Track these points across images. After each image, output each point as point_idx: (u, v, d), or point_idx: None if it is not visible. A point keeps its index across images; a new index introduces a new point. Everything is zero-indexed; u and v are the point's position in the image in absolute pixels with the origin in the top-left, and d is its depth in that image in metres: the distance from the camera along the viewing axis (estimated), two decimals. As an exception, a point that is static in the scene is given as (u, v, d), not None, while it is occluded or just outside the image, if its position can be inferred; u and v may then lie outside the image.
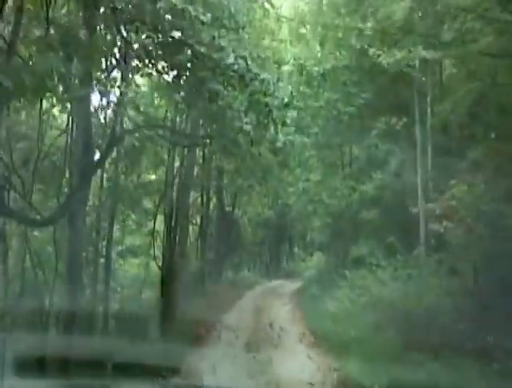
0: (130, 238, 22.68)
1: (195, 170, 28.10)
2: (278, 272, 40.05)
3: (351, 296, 14.25)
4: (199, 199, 27.84)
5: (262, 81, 10.61)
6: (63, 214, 12.50)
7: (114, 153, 15.74)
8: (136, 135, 14.80)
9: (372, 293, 13.31)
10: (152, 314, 15.18)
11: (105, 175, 16.65)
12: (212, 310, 17.14)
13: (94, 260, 15.78)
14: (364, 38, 14.83)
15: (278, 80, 11.63)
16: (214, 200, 29.69)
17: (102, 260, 16.32)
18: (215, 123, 13.32)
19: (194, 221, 28.81)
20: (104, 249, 16.59)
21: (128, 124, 14.51)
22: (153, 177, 22.15)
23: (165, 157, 18.15)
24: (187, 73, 11.08)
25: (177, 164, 18.26)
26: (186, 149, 17.82)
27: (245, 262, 36.73)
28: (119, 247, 20.86)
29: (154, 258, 18.20)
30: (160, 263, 17.90)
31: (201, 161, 27.01)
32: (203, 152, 26.10)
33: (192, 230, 29.53)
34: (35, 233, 14.80)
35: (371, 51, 13.34)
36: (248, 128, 11.13)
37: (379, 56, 12.84)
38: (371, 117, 17.10)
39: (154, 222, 19.69)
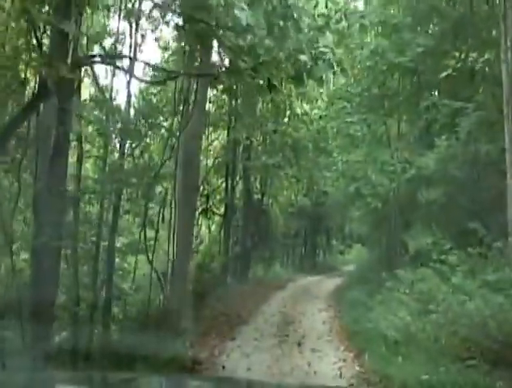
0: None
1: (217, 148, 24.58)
2: (314, 267, 36.24)
3: (412, 307, 10.21)
4: (224, 184, 24.08)
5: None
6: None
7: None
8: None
9: (443, 302, 9.33)
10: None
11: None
12: (221, 325, 13.37)
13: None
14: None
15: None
16: (240, 185, 25.79)
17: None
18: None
19: (217, 210, 25.16)
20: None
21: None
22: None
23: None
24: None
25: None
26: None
27: (276, 256, 32.62)
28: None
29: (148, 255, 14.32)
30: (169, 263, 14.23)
31: (225, 138, 23.39)
32: (228, 128, 22.46)
33: (214, 221, 25.99)
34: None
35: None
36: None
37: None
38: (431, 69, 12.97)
39: (160, 213, 15.80)
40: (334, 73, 10.57)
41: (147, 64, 14.05)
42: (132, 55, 12.31)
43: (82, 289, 11.16)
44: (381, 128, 15.36)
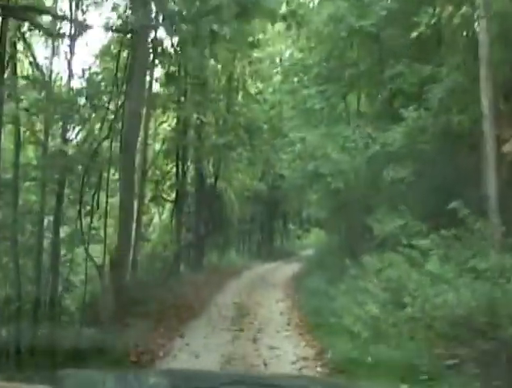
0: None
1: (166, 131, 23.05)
2: (271, 253, 35.12)
3: (380, 297, 8.98)
4: (174, 169, 22.62)
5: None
6: None
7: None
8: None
9: (416, 292, 8.14)
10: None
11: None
12: (170, 318, 11.98)
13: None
14: None
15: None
16: (192, 170, 24.30)
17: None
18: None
19: (167, 197, 23.72)
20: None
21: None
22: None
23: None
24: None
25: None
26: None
27: (231, 243, 31.22)
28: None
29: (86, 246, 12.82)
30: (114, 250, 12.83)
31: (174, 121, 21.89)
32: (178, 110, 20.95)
33: (165, 208, 24.53)
34: None
35: None
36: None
37: None
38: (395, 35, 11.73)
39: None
40: (289, 26, 9.22)
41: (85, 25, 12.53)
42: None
43: (26, 283, 10.58)
44: (341, 101, 14.04)
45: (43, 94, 13.04)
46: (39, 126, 15.20)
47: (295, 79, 15.16)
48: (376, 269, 10.48)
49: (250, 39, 22.81)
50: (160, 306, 13.13)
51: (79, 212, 12.40)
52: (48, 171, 12.27)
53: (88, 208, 15.09)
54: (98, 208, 13.86)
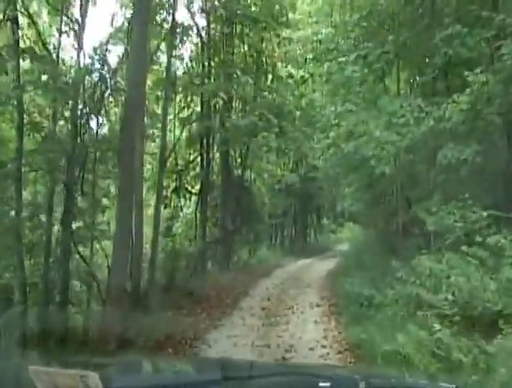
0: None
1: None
2: (304, 249, 33.13)
3: (446, 312, 6.89)
4: (199, 158, 20.84)
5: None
6: None
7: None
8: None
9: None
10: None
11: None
12: (185, 333, 10.03)
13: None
14: None
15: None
16: (218, 159, 22.41)
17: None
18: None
19: (191, 189, 21.94)
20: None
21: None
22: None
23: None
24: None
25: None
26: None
27: (262, 239, 29.10)
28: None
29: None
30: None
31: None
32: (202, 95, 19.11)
33: (188, 201, 22.74)
34: None
35: None
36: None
37: None
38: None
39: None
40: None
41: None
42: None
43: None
44: (385, 68, 11.82)
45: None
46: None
47: (332, 46, 12.99)
48: (434, 273, 8.39)
49: (280, 19, 21.03)
50: (169, 316, 11.32)
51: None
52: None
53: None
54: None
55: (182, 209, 21.61)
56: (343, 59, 11.74)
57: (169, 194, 20.72)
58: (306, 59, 20.93)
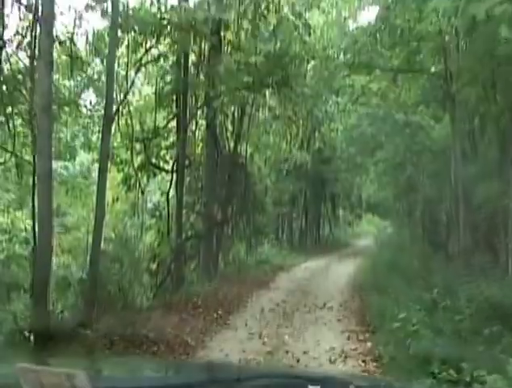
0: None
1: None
2: (317, 245, 27.61)
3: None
4: (175, 127, 15.02)
5: None
6: None
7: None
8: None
9: None
10: None
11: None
12: None
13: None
14: None
15: None
16: (203, 129, 16.57)
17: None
18: None
19: (162, 164, 16.13)
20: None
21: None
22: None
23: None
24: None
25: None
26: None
27: (265, 232, 22.92)
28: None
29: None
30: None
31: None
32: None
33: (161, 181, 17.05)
34: None
35: None
36: None
37: None
38: None
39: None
40: None
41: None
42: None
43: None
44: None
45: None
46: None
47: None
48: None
49: None
50: None
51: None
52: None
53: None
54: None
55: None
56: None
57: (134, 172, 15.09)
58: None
